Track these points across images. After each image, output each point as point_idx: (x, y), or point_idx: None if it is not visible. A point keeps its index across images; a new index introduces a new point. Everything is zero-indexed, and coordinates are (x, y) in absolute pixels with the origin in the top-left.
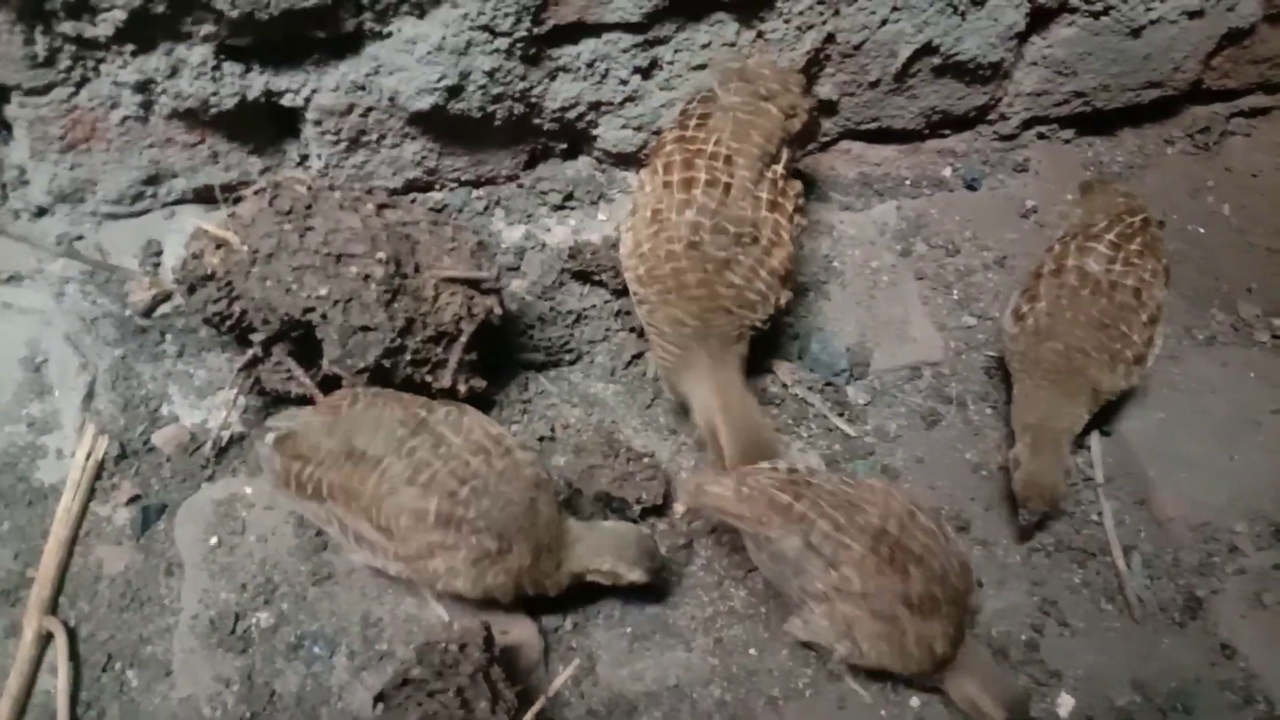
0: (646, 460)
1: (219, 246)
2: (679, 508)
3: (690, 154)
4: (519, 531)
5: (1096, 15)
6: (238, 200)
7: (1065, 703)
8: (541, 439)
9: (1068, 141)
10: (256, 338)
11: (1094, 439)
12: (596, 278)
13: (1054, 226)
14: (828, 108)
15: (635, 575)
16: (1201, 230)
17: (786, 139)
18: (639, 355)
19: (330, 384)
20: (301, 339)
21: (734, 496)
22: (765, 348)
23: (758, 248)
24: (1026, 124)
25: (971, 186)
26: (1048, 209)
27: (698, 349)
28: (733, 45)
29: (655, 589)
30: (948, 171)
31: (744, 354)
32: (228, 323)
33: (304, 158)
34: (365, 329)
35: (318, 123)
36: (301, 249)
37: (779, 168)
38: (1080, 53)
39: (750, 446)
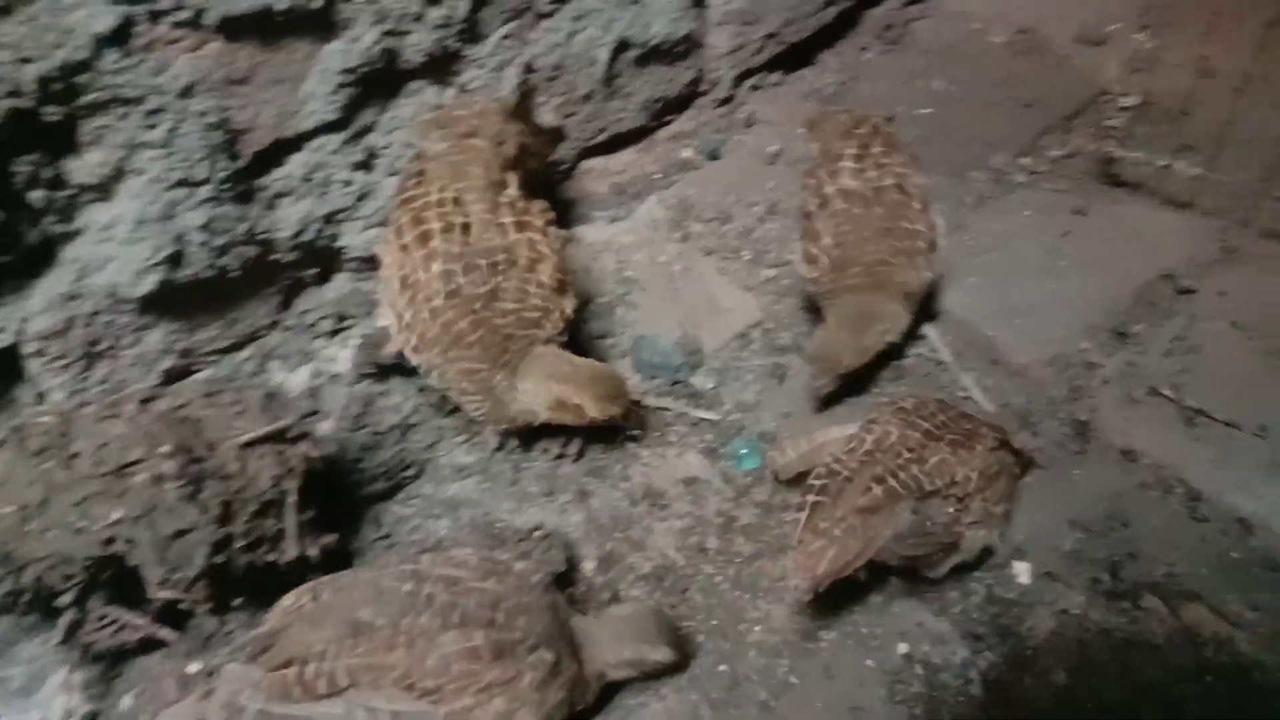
0: (537, 534)
1: None
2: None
3: (416, 210)
4: (559, 639)
5: None
6: None
7: (1021, 569)
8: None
9: (779, 84)
10: (64, 601)
11: (928, 329)
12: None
13: (802, 159)
14: (554, 134)
15: (661, 655)
16: (929, 110)
17: (507, 164)
18: (474, 435)
19: (171, 612)
20: (115, 577)
21: (841, 550)
22: None
23: (518, 269)
24: (737, 82)
25: (714, 156)
26: (789, 148)
27: (500, 380)
28: (437, 108)
29: (681, 667)
30: (688, 152)
31: None
32: (24, 600)
33: (40, 396)
34: (180, 533)
35: (39, 353)
36: (75, 481)
37: (512, 192)
38: None
39: (600, 384)
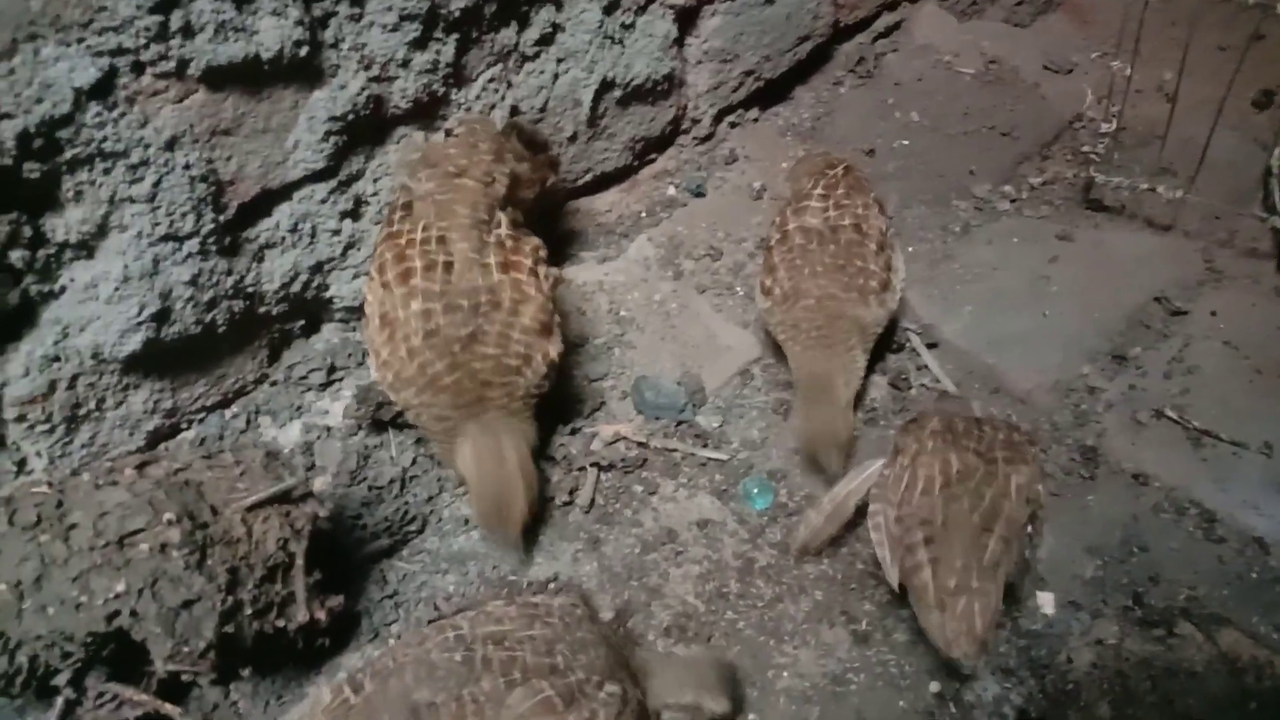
0: (551, 585)
1: None
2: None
3: (400, 247)
4: (620, 669)
5: None
6: None
7: (1045, 600)
8: (430, 623)
9: (756, 120)
10: (61, 680)
11: (928, 358)
12: (400, 417)
13: (786, 193)
14: (549, 160)
15: (720, 707)
16: (906, 142)
17: (496, 204)
18: None
19: (173, 685)
20: (116, 654)
21: (984, 601)
22: (602, 416)
23: (502, 311)
24: (717, 119)
25: (699, 193)
26: (771, 183)
27: (464, 428)
28: (429, 139)
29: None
30: (672, 190)
31: (524, 427)
32: (18, 681)
33: (21, 463)
34: (188, 604)
35: (21, 419)
36: (73, 554)
37: (502, 232)
38: (733, 35)
39: (491, 502)
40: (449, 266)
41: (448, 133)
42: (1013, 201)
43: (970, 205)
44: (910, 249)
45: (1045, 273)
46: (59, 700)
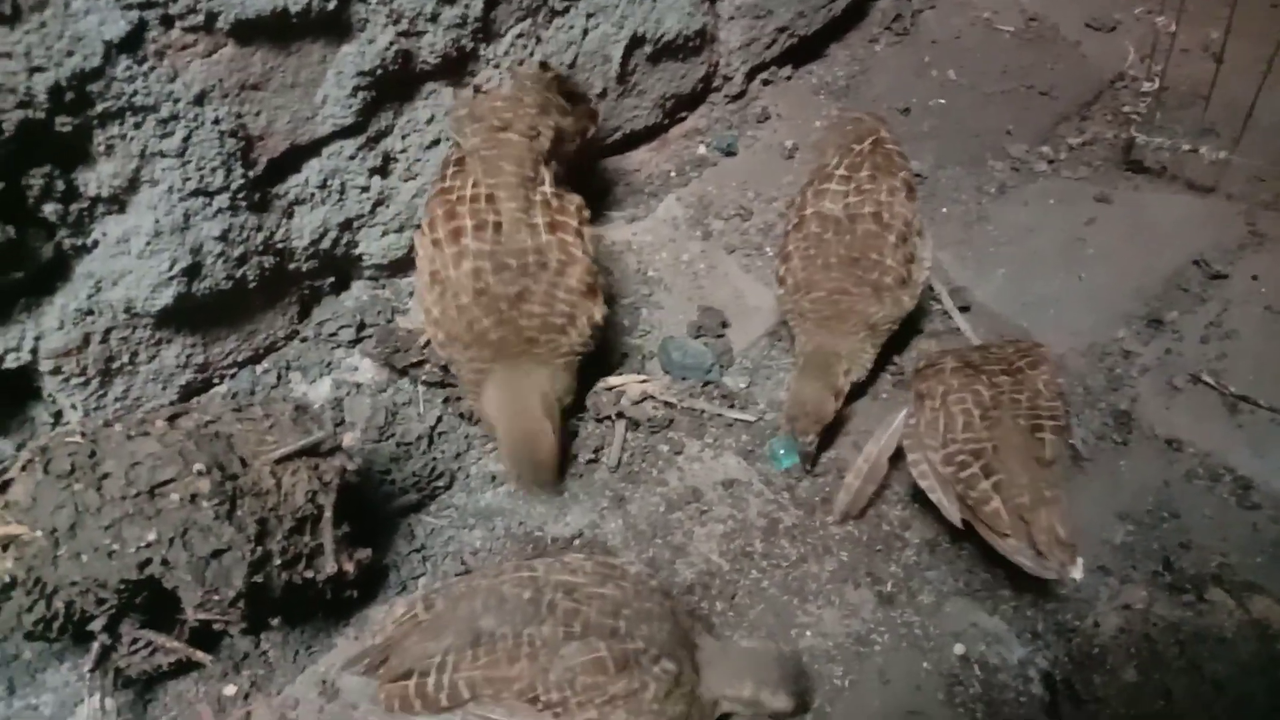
0: (576, 542)
1: (6, 547)
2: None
3: (451, 204)
4: (680, 649)
5: None
6: (5, 487)
7: (1074, 565)
8: (458, 575)
9: (789, 78)
10: (96, 625)
11: (961, 321)
12: (416, 363)
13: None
14: (589, 111)
15: (780, 703)
16: (942, 101)
17: (541, 159)
18: None
19: (204, 634)
20: (149, 601)
21: (1060, 505)
22: (629, 376)
23: (548, 272)
24: (749, 76)
25: (730, 152)
26: (804, 142)
27: (492, 377)
28: (479, 90)
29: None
30: (702, 149)
31: (567, 381)
32: (55, 625)
33: (57, 415)
34: (218, 553)
35: (56, 371)
36: (106, 502)
37: (547, 189)
38: None
39: (519, 450)
40: (498, 226)
41: (477, 89)
42: (1050, 162)
43: (1006, 166)
44: (944, 210)
45: (1081, 235)
46: (95, 645)
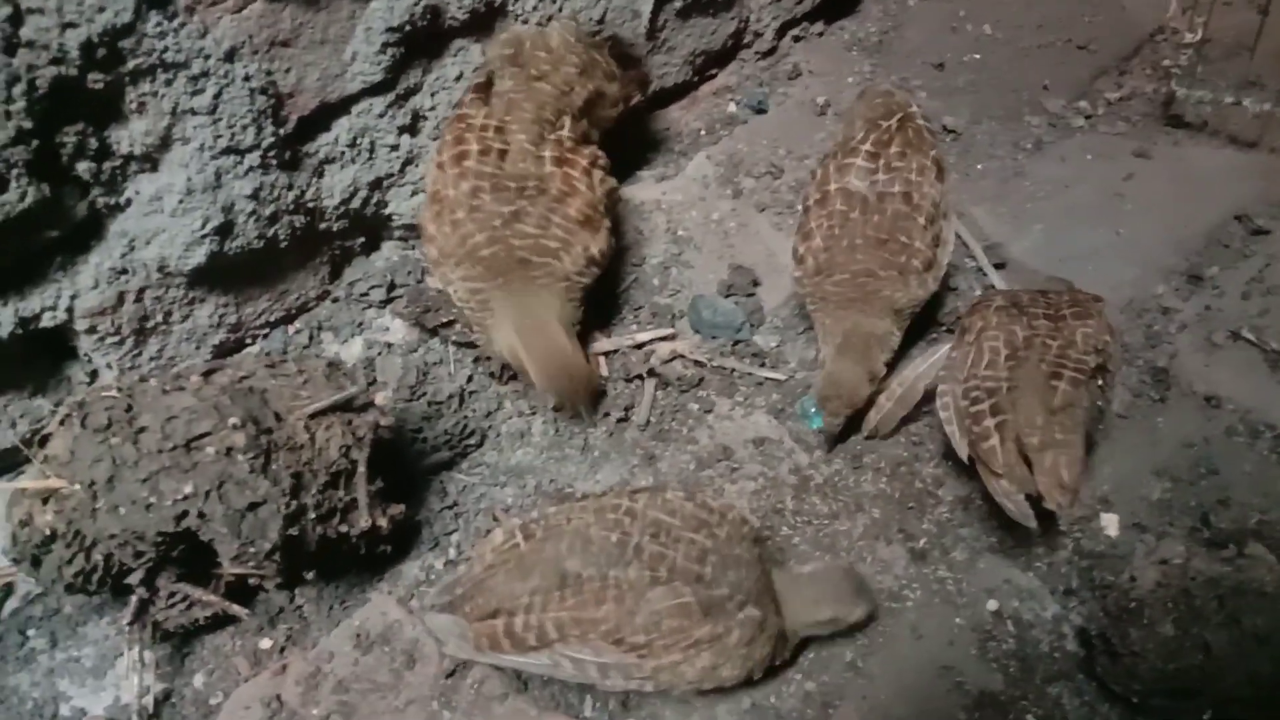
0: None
1: (46, 500)
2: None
3: (461, 131)
4: (764, 594)
5: None
6: (44, 442)
7: (1109, 521)
8: (489, 532)
9: (821, 34)
10: (134, 578)
11: (995, 278)
12: (445, 322)
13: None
14: (640, 78)
15: (859, 614)
16: (977, 56)
17: (566, 111)
18: (534, 401)
19: (240, 588)
20: (186, 554)
21: (1070, 451)
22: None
23: (546, 197)
24: (780, 32)
25: (761, 110)
26: (836, 99)
27: (501, 305)
28: (538, 25)
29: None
30: (732, 107)
31: (570, 310)
32: (94, 578)
33: (93, 374)
34: (253, 506)
35: (91, 330)
36: (142, 456)
37: (565, 134)
38: None
39: (557, 369)
40: (503, 154)
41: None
42: (1088, 118)
43: (1043, 121)
44: (979, 166)
45: (1120, 190)
46: (133, 599)
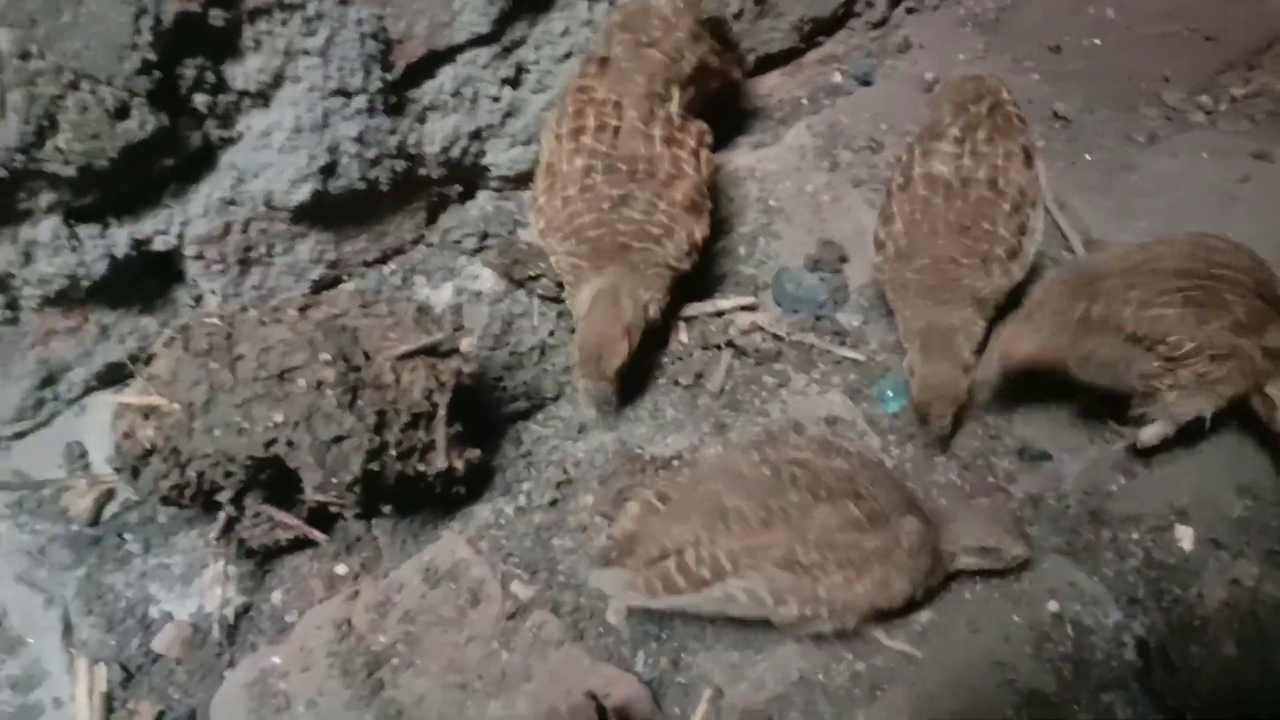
0: (675, 462)
1: (148, 416)
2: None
3: (581, 103)
4: (917, 508)
5: None
6: (149, 361)
7: (1184, 535)
8: (559, 484)
9: (936, 7)
10: (224, 497)
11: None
12: (534, 276)
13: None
14: (739, 57)
15: (1020, 549)
16: (1097, 41)
17: (675, 81)
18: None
19: (320, 515)
20: (272, 479)
21: (1038, 341)
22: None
23: (654, 181)
24: (893, 3)
25: (866, 82)
26: (945, 76)
27: (591, 279)
28: (589, 23)
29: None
30: (838, 77)
31: (650, 292)
32: (187, 493)
33: (198, 299)
34: (338, 439)
35: (199, 256)
36: (238, 382)
37: (673, 107)
38: None
39: (595, 335)
40: (617, 131)
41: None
42: (1208, 113)
43: (1159, 114)
44: (1087, 156)
45: (1234, 193)
46: (221, 515)
